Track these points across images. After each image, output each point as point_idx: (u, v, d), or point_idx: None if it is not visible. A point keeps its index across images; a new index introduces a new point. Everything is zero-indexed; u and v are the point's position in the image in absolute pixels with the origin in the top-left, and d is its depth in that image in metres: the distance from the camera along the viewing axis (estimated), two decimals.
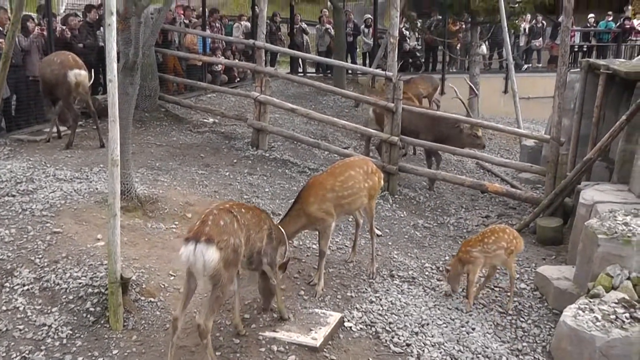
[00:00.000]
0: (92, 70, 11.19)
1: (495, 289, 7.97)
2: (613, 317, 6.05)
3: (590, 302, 6.33)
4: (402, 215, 10.45)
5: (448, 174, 12.21)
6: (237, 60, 17.19)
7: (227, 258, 5.31)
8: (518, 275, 7.93)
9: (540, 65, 22.76)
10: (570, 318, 6.02)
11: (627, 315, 6.10)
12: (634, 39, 21.78)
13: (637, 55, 13.42)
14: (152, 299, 6.44)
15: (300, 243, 8.26)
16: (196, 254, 5.15)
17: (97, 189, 8.48)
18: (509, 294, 7.64)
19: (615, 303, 6.29)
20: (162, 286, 6.63)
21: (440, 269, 8.37)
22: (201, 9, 18.14)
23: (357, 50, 21.91)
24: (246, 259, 5.83)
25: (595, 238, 6.83)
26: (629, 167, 8.99)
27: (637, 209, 7.57)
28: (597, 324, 5.93)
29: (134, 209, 8.11)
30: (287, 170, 11.55)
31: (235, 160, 11.61)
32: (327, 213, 7.04)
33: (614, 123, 9.36)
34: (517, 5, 18.74)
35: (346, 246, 8.55)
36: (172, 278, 6.78)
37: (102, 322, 6.03)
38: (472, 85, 16.74)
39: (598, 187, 9.01)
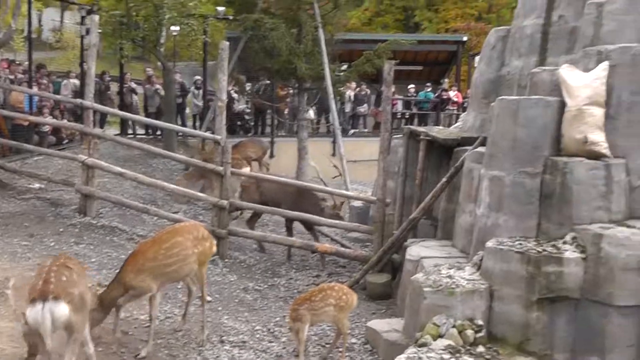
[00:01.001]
0: None
1: (326, 345, 7.90)
2: None
3: (418, 350, 6.44)
4: (232, 279, 10.23)
5: (278, 235, 12.19)
6: (65, 121, 16.35)
7: (76, 307, 5.49)
8: (349, 331, 7.92)
9: (366, 130, 23.65)
10: None
11: None
12: (451, 108, 23.20)
13: (455, 123, 14.24)
14: None
15: (128, 315, 7.78)
16: (44, 313, 5.18)
17: None
18: (340, 349, 7.59)
19: (442, 350, 6.45)
20: None
21: (272, 330, 8.21)
22: (27, 63, 17.19)
23: (187, 111, 21.66)
24: None
25: (421, 291, 7.00)
26: (451, 224, 9.43)
27: (460, 262, 7.88)
28: None
29: None
30: (115, 238, 10.96)
31: (61, 229, 10.86)
32: (144, 282, 6.78)
33: (436, 184, 9.79)
34: (341, 73, 19.43)
35: (175, 314, 8.16)
36: None
37: None
38: (337, 165, 16.99)
39: (423, 244, 9.34)
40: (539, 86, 8.15)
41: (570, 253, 6.75)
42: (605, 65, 7.42)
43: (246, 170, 13.82)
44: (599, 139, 7.18)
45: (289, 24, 18.08)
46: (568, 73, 7.59)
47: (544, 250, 6.83)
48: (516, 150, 7.47)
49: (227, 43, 11.70)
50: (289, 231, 12.21)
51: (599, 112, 7.25)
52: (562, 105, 7.46)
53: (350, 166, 17.55)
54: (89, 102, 12.10)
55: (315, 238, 12.08)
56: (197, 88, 21.08)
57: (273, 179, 12.17)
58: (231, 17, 20.44)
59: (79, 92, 17.03)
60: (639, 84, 7.35)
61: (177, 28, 18.38)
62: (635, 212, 7.25)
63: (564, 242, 6.92)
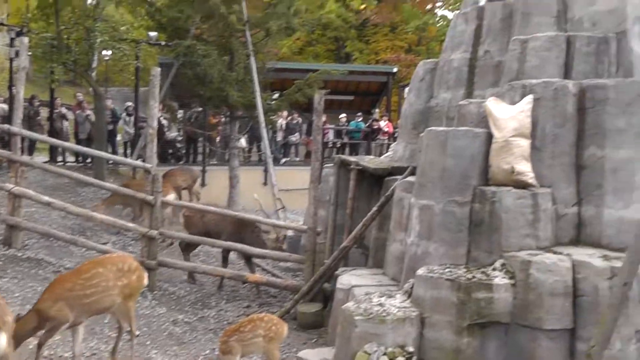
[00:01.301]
0: None
1: None
2: None
3: None
4: (161, 312, 9.93)
5: (209, 266, 12.02)
6: None
7: (9, 334, 5.55)
8: None
9: (298, 159, 23.70)
10: None
11: None
12: (382, 138, 23.40)
13: (385, 153, 14.42)
14: None
15: (52, 352, 7.45)
16: None
17: None
18: None
19: None
20: None
21: None
22: None
23: (119, 138, 21.25)
24: None
25: (352, 319, 7.00)
26: (382, 252, 9.50)
27: (391, 290, 7.94)
28: None
29: None
30: (40, 271, 10.47)
31: None
32: (60, 312, 6.55)
33: (366, 213, 9.85)
34: (273, 102, 19.46)
35: (101, 350, 7.84)
36: None
37: None
38: (279, 198, 16.91)
39: (355, 272, 9.36)
40: (467, 118, 8.39)
41: (499, 279, 6.91)
42: (529, 98, 7.69)
43: (170, 198, 13.57)
44: (525, 169, 7.40)
45: (221, 51, 18.10)
46: (494, 106, 7.83)
47: (474, 277, 6.97)
48: (445, 179, 7.63)
49: (159, 69, 11.57)
50: (225, 262, 12.05)
51: (524, 143, 7.49)
52: (489, 136, 7.69)
53: (282, 194, 17.52)
54: (16, 127, 11.63)
55: (251, 269, 11.94)
56: (129, 114, 20.77)
57: (212, 210, 11.99)
58: (163, 43, 20.33)
59: (7, 117, 16.49)
60: (561, 117, 7.66)
61: (109, 52, 18.14)
62: (562, 239, 7.52)
63: (494, 269, 7.08)
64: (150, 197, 10.97)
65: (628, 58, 8.16)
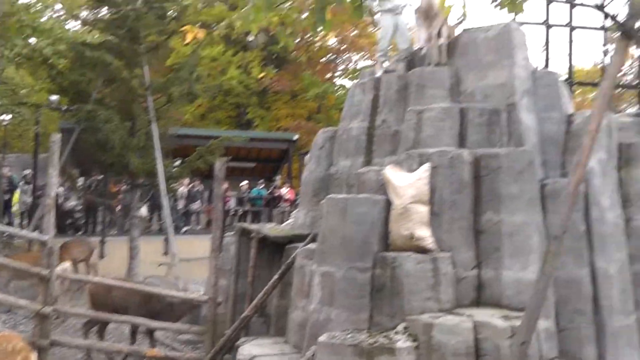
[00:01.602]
0: None
1: None
2: None
3: None
4: None
5: (104, 343, 11.42)
6: None
7: None
8: None
9: (200, 227, 23.33)
10: None
11: None
12: (284, 205, 23.46)
13: (287, 220, 14.44)
14: None
15: None
16: None
17: None
18: None
19: None
20: None
21: None
22: None
23: (15, 208, 20.33)
24: None
25: None
26: (284, 320, 9.39)
27: (293, 358, 7.88)
28: None
29: None
30: None
31: None
32: None
33: (268, 281, 9.75)
34: (174, 169, 19.21)
35: None
36: None
37: None
38: (162, 264, 16.43)
39: (256, 342, 9.18)
40: (366, 185, 8.55)
41: (402, 343, 6.91)
42: (427, 166, 7.92)
43: (62, 268, 12.94)
44: (424, 234, 7.56)
45: (123, 117, 17.74)
46: (393, 173, 8.03)
47: (377, 341, 6.95)
48: (346, 246, 7.68)
49: (59, 135, 11.17)
50: (133, 337, 11.54)
51: (423, 210, 7.67)
52: (389, 203, 7.85)
53: (184, 264, 17.13)
54: None
55: (152, 344, 11.47)
56: (27, 183, 19.95)
57: (119, 285, 11.48)
58: (65, 107, 19.80)
59: None
60: (458, 184, 7.90)
61: (8, 117, 17.51)
62: (463, 301, 7.64)
63: (396, 333, 7.10)
64: (45, 272, 10.43)
65: (518, 129, 8.57)
